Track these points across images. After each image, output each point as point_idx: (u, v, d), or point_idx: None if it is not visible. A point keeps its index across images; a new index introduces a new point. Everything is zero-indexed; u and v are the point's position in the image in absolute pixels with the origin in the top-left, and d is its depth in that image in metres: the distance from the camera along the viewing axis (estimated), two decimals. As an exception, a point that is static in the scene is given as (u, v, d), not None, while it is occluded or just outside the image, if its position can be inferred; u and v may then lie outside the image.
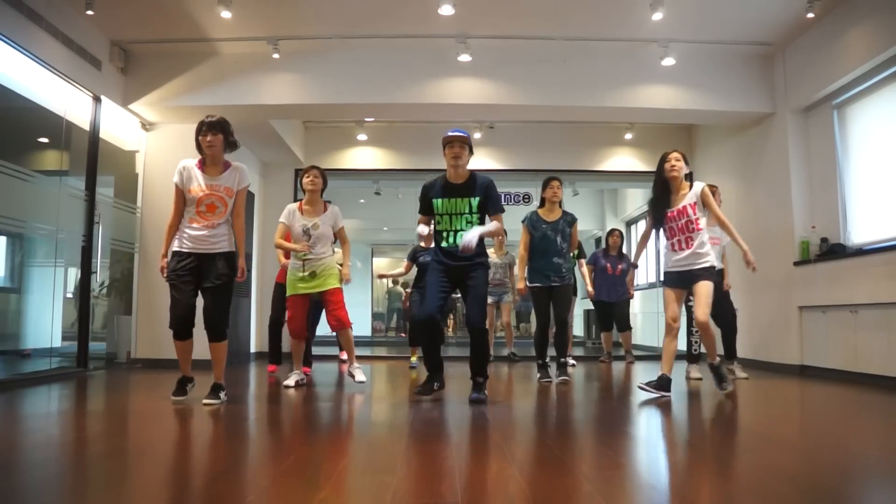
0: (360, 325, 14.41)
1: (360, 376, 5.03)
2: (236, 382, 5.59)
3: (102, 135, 6.26)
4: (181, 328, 3.94)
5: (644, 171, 9.09)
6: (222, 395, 4.06)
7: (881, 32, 5.28)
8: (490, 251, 8.00)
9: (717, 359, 4.62)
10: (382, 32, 6.45)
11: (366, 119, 8.53)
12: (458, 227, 4.14)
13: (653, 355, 9.16)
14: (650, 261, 10.91)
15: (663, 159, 4.56)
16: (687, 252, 4.39)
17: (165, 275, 3.96)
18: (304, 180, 4.96)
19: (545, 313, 5.43)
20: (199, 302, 4.00)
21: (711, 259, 4.38)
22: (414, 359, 7.16)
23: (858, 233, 5.92)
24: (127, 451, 2.79)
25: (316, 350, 6.86)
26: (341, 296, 4.99)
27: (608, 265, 7.63)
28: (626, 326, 7.77)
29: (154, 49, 6.62)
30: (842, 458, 2.71)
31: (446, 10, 5.78)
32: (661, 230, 4.57)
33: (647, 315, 10.36)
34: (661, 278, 4.88)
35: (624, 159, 9.07)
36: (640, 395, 4.55)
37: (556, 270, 5.35)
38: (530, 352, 7.58)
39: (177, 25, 6.17)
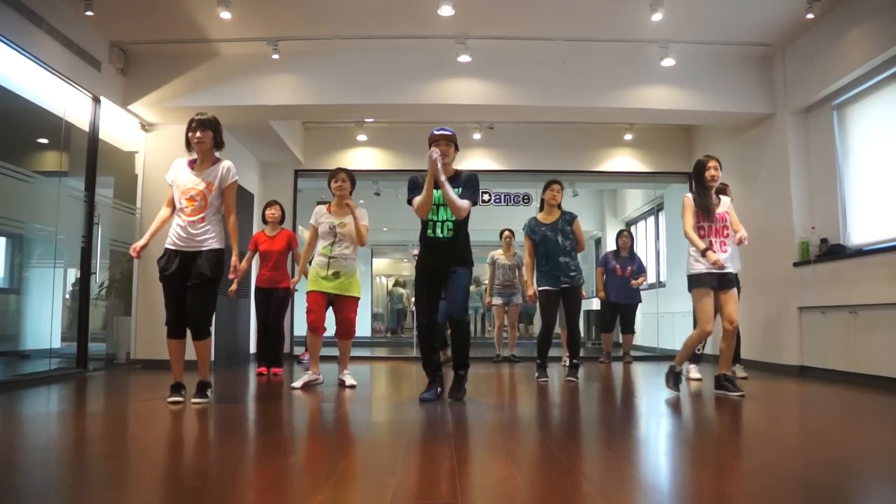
0: (360, 325, 14.39)
1: (350, 381, 5.08)
2: (236, 383, 5.59)
3: (102, 136, 6.26)
4: (172, 327, 4.02)
5: (644, 172, 9.11)
6: (209, 392, 4.09)
7: (881, 33, 5.28)
8: (498, 252, 8.01)
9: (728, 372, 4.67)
10: (382, 33, 6.45)
11: (365, 120, 8.54)
12: (444, 218, 4.25)
13: (652, 356, 9.17)
14: (650, 261, 10.92)
15: (703, 166, 4.61)
16: (723, 255, 4.48)
17: (134, 253, 4.04)
18: (333, 185, 5.02)
19: (551, 316, 5.46)
20: None
21: (734, 268, 4.64)
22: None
23: (858, 233, 5.92)
24: (126, 452, 2.79)
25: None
26: (356, 307, 5.10)
27: (618, 266, 7.64)
28: (630, 329, 7.78)
29: (153, 50, 6.62)
30: (842, 459, 2.71)
31: (446, 10, 5.78)
32: (699, 227, 4.58)
33: (647, 316, 10.36)
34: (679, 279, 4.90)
35: (624, 160, 9.07)
36: (639, 395, 4.55)
37: (564, 271, 5.36)
38: (531, 353, 7.59)
39: (176, 26, 6.17)
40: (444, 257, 4.26)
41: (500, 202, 9.29)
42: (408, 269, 16.49)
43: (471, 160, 8.84)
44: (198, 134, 4.01)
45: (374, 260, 16.71)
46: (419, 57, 6.79)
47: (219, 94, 6.75)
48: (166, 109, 6.75)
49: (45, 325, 5.65)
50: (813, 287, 6.15)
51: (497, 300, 7.93)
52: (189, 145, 4.08)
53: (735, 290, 4.56)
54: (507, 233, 8.02)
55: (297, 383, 4.94)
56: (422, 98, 6.82)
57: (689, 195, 4.69)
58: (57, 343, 5.78)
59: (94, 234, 6.04)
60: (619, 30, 6.36)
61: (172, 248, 4.01)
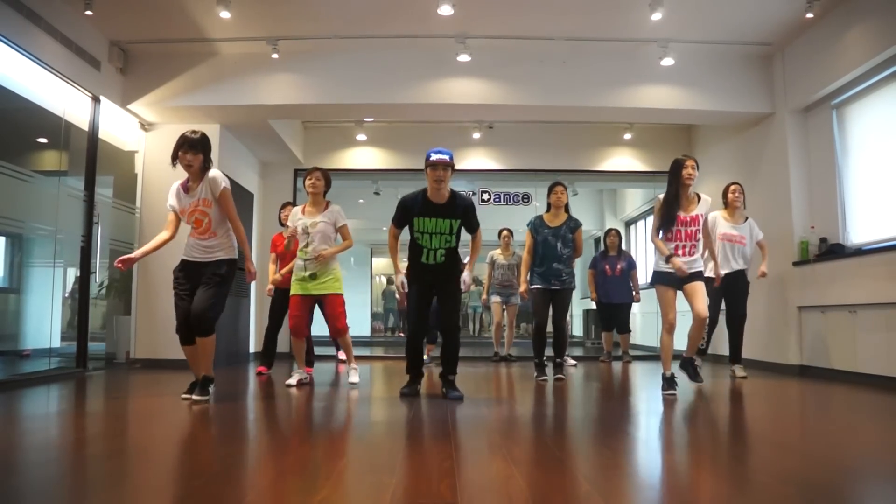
0: (360, 325, 14.42)
1: (353, 377, 5.15)
2: (236, 382, 5.58)
3: (101, 135, 6.25)
4: (184, 333, 4.06)
5: (643, 172, 9.11)
6: (211, 388, 4.14)
7: (880, 33, 5.28)
8: (497, 252, 8.01)
9: (694, 356, 4.91)
10: (382, 32, 6.45)
11: (365, 119, 8.54)
12: (437, 246, 4.34)
13: (652, 355, 9.16)
14: (649, 261, 10.91)
15: (681, 165, 4.62)
16: (688, 258, 4.58)
17: (119, 265, 3.97)
18: (307, 182, 5.01)
19: (543, 314, 5.51)
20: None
21: (701, 267, 4.69)
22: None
23: (857, 233, 5.92)
24: (126, 452, 2.79)
25: (316, 350, 6.84)
26: (341, 302, 5.06)
27: (607, 266, 7.65)
28: (625, 329, 7.78)
29: (153, 49, 6.62)
30: (841, 458, 2.71)
31: (445, 10, 5.78)
32: (666, 231, 4.67)
33: (646, 315, 10.35)
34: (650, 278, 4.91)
35: (623, 159, 9.07)
36: (639, 396, 4.55)
37: (556, 276, 5.43)
38: (527, 352, 7.60)
39: (176, 26, 6.17)
40: (436, 276, 4.42)
41: (499, 201, 9.30)
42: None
43: (470, 159, 8.84)
44: (188, 157, 3.98)
45: (373, 259, 16.70)
46: (419, 56, 6.79)
47: (218, 93, 6.75)
48: (166, 109, 6.75)
49: (44, 324, 5.65)
50: (812, 286, 6.15)
51: (496, 298, 7.93)
52: (175, 160, 4.04)
53: (700, 283, 4.60)
54: (505, 232, 8.01)
55: (292, 380, 5.01)
56: (421, 97, 6.83)
57: (661, 196, 4.77)
58: (57, 342, 5.78)
59: (93, 233, 6.04)
60: (619, 29, 6.36)
61: (187, 258, 4.11)
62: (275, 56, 6.49)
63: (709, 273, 5.20)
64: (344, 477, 2.31)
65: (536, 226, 5.54)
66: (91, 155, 6.11)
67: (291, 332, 5.02)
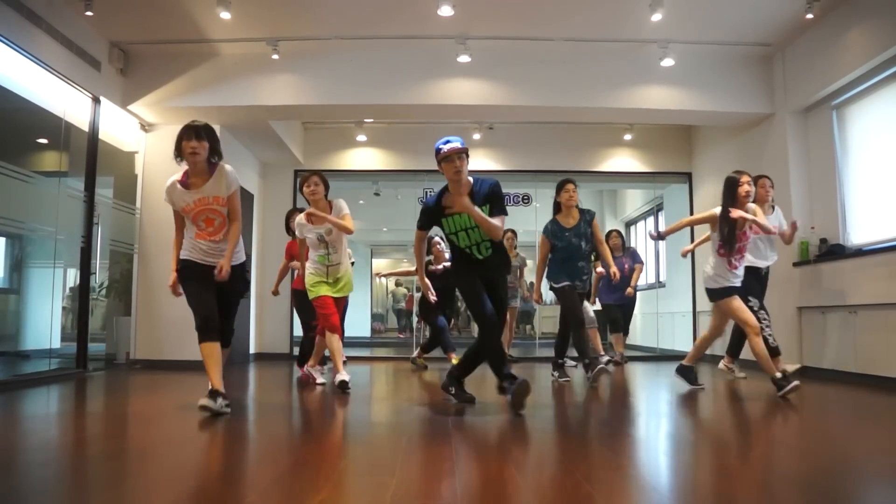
0: (360, 325, 14.42)
1: (319, 378, 5.25)
2: (235, 384, 5.58)
3: (102, 136, 6.26)
4: (207, 326, 3.65)
5: (644, 172, 9.11)
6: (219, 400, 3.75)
7: (880, 33, 5.28)
8: None
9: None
10: (382, 33, 6.45)
11: (365, 120, 8.54)
12: (477, 240, 3.86)
13: (652, 356, 9.17)
14: (649, 261, 10.92)
15: (736, 182, 4.50)
16: (740, 269, 4.61)
17: (175, 290, 3.74)
18: (305, 190, 4.81)
19: (580, 309, 5.28)
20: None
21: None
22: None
23: (857, 233, 5.92)
24: (126, 452, 2.79)
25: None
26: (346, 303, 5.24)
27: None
28: (620, 329, 7.65)
29: (153, 50, 6.62)
30: (841, 458, 2.71)
31: (445, 10, 5.78)
32: (725, 242, 4.55)
33: (646, 316, 10.36)
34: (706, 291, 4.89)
35: (623, 160, 9.07)
36: (639, 396, 4.54)
37: (579, 275, 5.30)
38: (526, 353, 7.62)
39: (176, 26, 6.17)
40: (489, 270, 3.94)
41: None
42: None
43: (471, 161, 8.82)
44: (192, 143, 3.55)
45: (373, 260, 16.71)
46: (419, 57, 6.79)
47: (218, 94, 6.75)
48: (166, 109, 6.75)
49: (44, 325, 5.65)
50: (812, 287, 6.15)
51: None
52: (180, 154, 3.62)
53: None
54: (508, 234, 7.97)
55: (344, 376, 4.77)
56: (421, 98, 6.83)
57: (716, 211, 4.61)
58: (57, 343, 5.78)
59: (93, 234, 6.04)
60: (619, 30, 6.36)
61: (198, 260, 3.71)
62: (275, 57, 6.49)
63: (750, 263, 4.97)
64: (344, 477, 2.31)
65: (555, 231, 5.28)
66: (91, 156, 6.11)
67: (329, 329, 4.82)
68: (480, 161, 8.84)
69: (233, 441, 3.08)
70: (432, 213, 3.91)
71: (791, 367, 5.51)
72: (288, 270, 6.17)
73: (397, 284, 16.93)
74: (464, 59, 6.53)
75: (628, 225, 12.11)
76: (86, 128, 6.08)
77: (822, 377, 5.86)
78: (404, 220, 9.37)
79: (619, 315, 7.57)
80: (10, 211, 5.12)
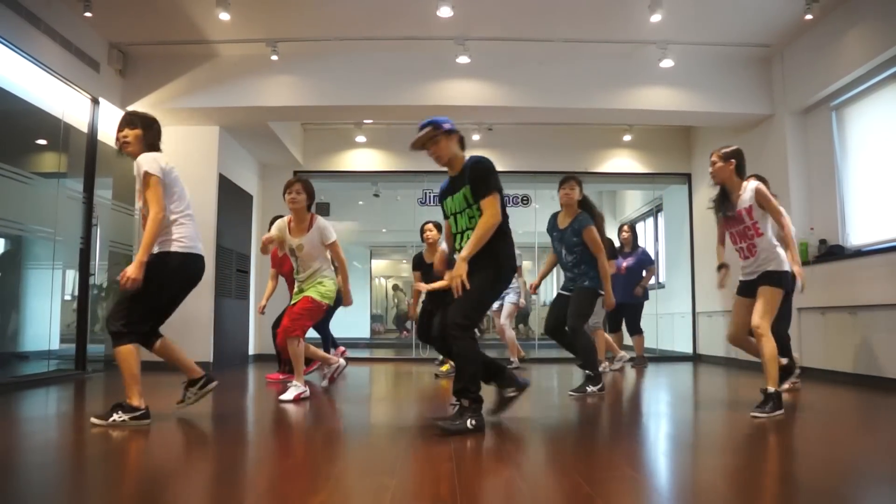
0: (359, 326, 14.40)
1: (287, 394, 4.37)
2: (235, 385, 5.58)
3: (100, 137, 6.25)
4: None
5: (643, 173, 9.12)
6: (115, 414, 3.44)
7: (879, 34, 5.28)
8: None
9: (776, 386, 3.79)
10: (381, 34, 6.45)
11: (364, 121, 8.54)
12: (464, 227, 3.40)
13: (652, 356, 9.16)
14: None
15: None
16: (751, 260, 3.93)
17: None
18: (287, 197, 4.43)
19: (548, 319, 4.91)
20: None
21: (778, 262, 3.85)
22: (445, 368, 6.48)
23: (857, 234, 5.92)
24: (125, 454, 2.79)
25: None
26: (307, 304, 4.43)
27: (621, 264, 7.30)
28: (636, 330, 7.50)
29: (152, 51, 6.62)
30: (842, 459, 2.70)
31: (445, 12, 5.78)
32: (729, 238, 4.10)
33: (646, 317, 10.34)
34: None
35: (623, 161, 9.08)
36: (640, 397, 4.54)
37: (568, 278, 4.85)
38: (526, 354, 7.61)
39: (175, 27, 6.17)
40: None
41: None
42: (406, 271, 16.49)
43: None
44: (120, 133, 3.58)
45: (373, 261, 16.70)
46: (418, 58, 6.80)
47: (218, 95, 6.75)
48: (165, 111, 6.74)
49: (43, 326, 5.64)
50: (812, 288, 6.12)
51: (514, 298, 7.32)
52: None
53: (767, 288, 3.81)
54: None
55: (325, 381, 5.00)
56: (421, 99, 6.83)
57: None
58: (56, 345, 5.78)
59: (92, 235, 6.03)
60: (618, 31, 6.36)
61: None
62: (274, 58, 6.49)
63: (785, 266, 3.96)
64: (344, 478, 2.31)
65: (549, 226, 4.91)
66: (90, 157, 6.11)
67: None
68: (480, 162, 8.83)
69: (232, 442, 3.08)
70: (442, 194, 3.58)
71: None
72: (276, 284, 5.99)
73: (394, 288, 16.93)
74: (463, 60, 6.53)
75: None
76: (85, 129, 6.08)
77: (821, 378, 5.86)
78: (404, 221, 9.37)
79: (619, 315, 7.44)
80: (8, 212, 5.11)
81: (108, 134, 6.42)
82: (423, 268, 5.98)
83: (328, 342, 6.22)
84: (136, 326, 3.66)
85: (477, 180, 3.31)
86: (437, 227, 5.87)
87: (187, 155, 5.77)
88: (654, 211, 10.71)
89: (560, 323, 4.75)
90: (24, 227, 5.39)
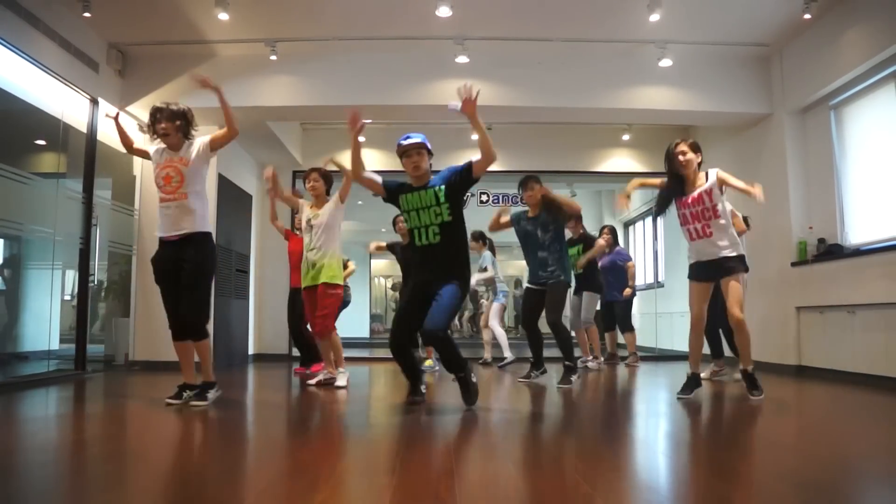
0: (359, 326, 14.41)
1: (340, 381, 5.03)
2: (234, 385, 5.58)
3: (100, 137, 6.25)
4: (174, 328, 3.95)
5: (642, 173, 9.10)
6: (210, 394, 4.00)
7: (878, 33, 5.29)
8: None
9: (752, 365, 4.32)
10: (380, 34, 6.45)
11: (363, 121, 8.52)
12: (429, 221, 3.81)
13: (650, 356, 9.17)
14: (648, 263, 10.92)
15: (670, 153, 4.38)
16: (704, 240, 4.18)
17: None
18: (307, 185, 5.12)
19: (523, 315, 5.46)
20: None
21: (739, 247, 4.16)
22: (429, 362, 6.82)
23: (856, 233, 5.93)
24: (125, 454, 2.79)
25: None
26: (334, 300, 4.92)
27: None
28: (627, 327, 7.59)
29: (151, 51, 6.62)
30: (839, 458, 2.71)
31: (444, 11, 5.78)
32: (679, 218, 4.33)
33: (645, 316, 10.37)
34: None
35: (622, 160, 9.08)
36: (638, 398, 4.55)
37: (541, 276, 5.26)
38: (524, 353, 7.58)
39: (174, 27, 6.17)
40: (432, 264, 3.85)
41: (497, 203, 9.29)
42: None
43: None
44: (162, 124, 4.06)
45: (372, 261, 16.70)
46: (417, 58, 6.80)
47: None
48: (164, 111, 6.74)
49: (43, 326, 5.64)
50: (811, 287, 6.16)
51: (503, 299, 7.69)
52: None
53: (735, 279, 4.14)
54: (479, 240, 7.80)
55: (342, 381, 5.06)
56: (420, 99, 6.83)
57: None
58: (55, 345, 5.78)
59: (92, 235, 6.04)
60: (617, 30, 6.36)
61: (158, 234, 4.03)
62: (273, 58, 6.49)
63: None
64: (344, 478, 2.31)
65: (518, 224, 5.38)
66: (89, 157, 6.10)
67: (316, 334, 5.05)
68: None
69: (231, 442, 3.08)
70: (395, 190, 4.06)
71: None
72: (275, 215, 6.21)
73: (393, 288, 16.94)
74: (462, 59, 6.54)
75: (627, 225, 12.12)
76: (84, 129, 6.08)
77: (820, 377, 5.87)
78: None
79: (610, 313, 7.46)
80: (8, 212, 5.11)
81: (107, 134, 6.42)
82: (395, 252, 6.68)
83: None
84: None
85: (456, 170, 3.91)
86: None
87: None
88: (654, 210, 10.70)
89: (536, 316, 5.32)
90: (23, 227, 5.39)
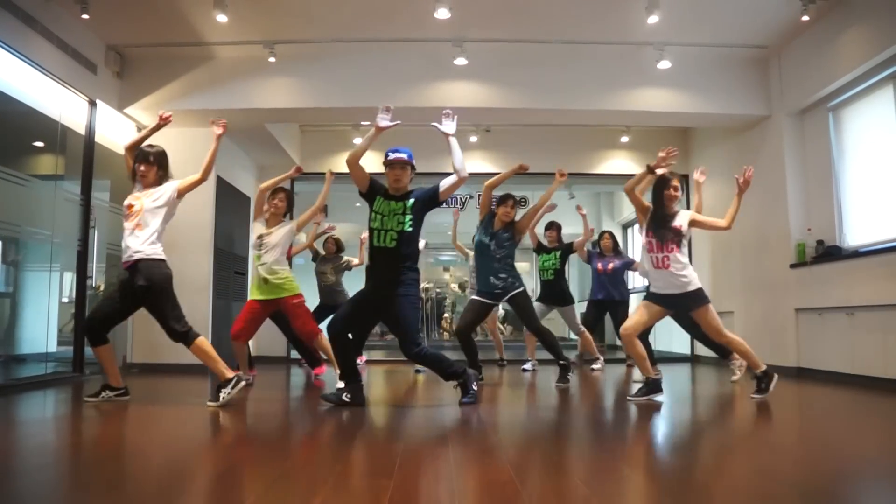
0: (358, 328, 14.32)
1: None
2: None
3: (98, 139, 6.24)
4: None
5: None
6: (223, 394, 4.10)
7: (876, 35, 5.30)
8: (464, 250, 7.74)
9: (763, 367, 4.44)
10: (379, 36, 6.45)
11: (362, 123, 8.53)
12: (391, 227, 4.09)
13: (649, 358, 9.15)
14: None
15: (666, 183, 4.55)
16: (663, 272, 4.32)
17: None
18: (271, 203, 5.31)
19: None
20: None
21: (695, 280, 4.34)
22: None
23: (854, 235, 5.93)
24: (123, 456, 2.78)
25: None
26: (302, 308, 5.40)
27: (599, 264, 7.31)
28: (594, 329, 7.37)
29: (150, 53, 6.62)
30: (839, 460, 2.71)
31: (442, 13, 5.78)
32: (645, 245, 4.45)
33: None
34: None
35: (620, 162, 9.08)
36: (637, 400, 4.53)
37: (496, 287, 5.41)
38: (519, 356, 7.60)
39: (173, 29, 6.17)
40: (384, 269, 4.12)
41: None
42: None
43: (468, 163, 8.72)
44: (142, 168, 4.22)
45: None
46: (416, 60, 6.80)
47: (215, 97, 6.74)
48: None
49: (41, 328, 5.63)
50: (809, 288, 6.16)
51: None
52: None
53: (704, 310, 4.34)
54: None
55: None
56: (418, 101, 6.83)
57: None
58: (53, 347, 5.76)
59: (90, 237, 6.02)
60: (615, 32, 6.37)
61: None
62: (272, 60, 6.49)
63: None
64: (342, 480, 2.31)
65: (483, 230, 5.56)
66: (88, 159, 6.09)
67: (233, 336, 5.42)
68: (478, 164, 8.84)
69: (230, 444, 3.08)
70: (376, 190, 4.20)
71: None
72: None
73: None
74: (460, 61, 6.54)
75: (625, 227, 12.12)
76: (82, 131, 6.06)
77: (819, 379, 5.87)
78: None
79: (601, 315, 7.35)
80: (6, 214, 5.10)
81: (105, 136, 6.42)
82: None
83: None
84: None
85: (427, 193, 4.21)
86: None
87: (185, 157, 5.77)
88: (652, 212, 10.69)
89: (473, 326, 5.57)
90: (21, 229, 5.38)
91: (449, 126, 4.27)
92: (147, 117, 6.85)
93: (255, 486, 2.22)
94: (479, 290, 5.50)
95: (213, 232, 7.14)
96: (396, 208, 4.13)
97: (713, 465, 2.64)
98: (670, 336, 9.29)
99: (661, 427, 3.62)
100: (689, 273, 4.34)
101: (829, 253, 5.99)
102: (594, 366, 7.06)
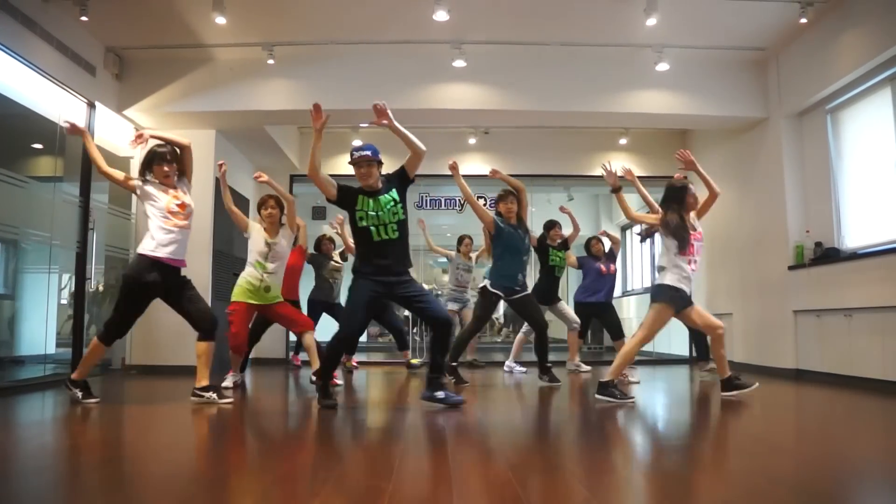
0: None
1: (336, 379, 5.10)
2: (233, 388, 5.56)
3: (97, 141, 6.23)
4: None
5: (639, 176, 9.04)
6: (209, 394, 4.27)
7: (874, 37, 5.31)
8: (453, 252, 7.66)
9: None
10: (377, 38, 6.46)
11: (361, 125, 8.54)
12: (389, 220, 4.12)
13: (648, 360, 9.17)
14: (645, 265, 10.93)
15: (687, 190, 4.73)
16: (694, 274, 4.56)
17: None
18: (264, 212, 5.25)
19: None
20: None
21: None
22: (416, 361, 7.33)
23: (852, 237, 5.94)
24: (122, 459, 2.78)
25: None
26: (293, 307, 5.61)
27: (601, 266, 7.23)
28: (621, 334, 7.39)
29: (149, 55, 6.62)
30: (837, 462, 2.71)
31: (441, 16, 5.79)
32: (686, 248, 4.56)
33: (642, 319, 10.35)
34: (653, 293, 4.77)
35: (619, 164, 9.06)
36: (635, 400, 4.53)
37: (518, 283, 5.60)
38: (497, 357, 7.59)
39: (172, 31, 6.17)
40: (393, 259, 4.13)
41: (493, 205, 9.28)
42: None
43: (466, 165, 8.83)
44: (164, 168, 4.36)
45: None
46: (414, 62, 6.81)
47: (214, 99, 6.75)
48: (161, 115, 6.75)
49: (39, 330, 5.62)
50: (807, 290, 6.17)
51: (452, 305, 7.51)
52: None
53: (693, 305, 4.60)
54: (466, 240, 7.67)
55: (227, 382, 5.19)
56: (417, 103, 6.84)
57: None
58: (52, 349, 5.76)
59: (89, 239, 6.02)
60: (614, 34, 6.38)
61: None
62: (270, 62, 6.49)
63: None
64: (341, 482, 2.31)
65: (507, 227, 5.62)
66: (86, 160, 6.08)
67: (230, 340, 5.25)
68: (476, 166, 8.85)
69: (228, 446, 3.08)
70: (347, 191, 4.20)
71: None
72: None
73: None
74: (459, 63, 6.55)
75: (624, 229, 12.12)
76: (81, 132, 6.06)
77: (817, 380, 5.88)
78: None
79: (589, 318, 7.17)
80: (4, 216, 5.10)
81: (104, 138, 6.41)
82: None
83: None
84: None
85: (394, 176, 4.36)
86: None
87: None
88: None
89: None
90: (19, 231, 5.38)
91: (382, 116, 4.19)
92: (146, 119, 6.85)
93: (253, 489, 2.23)
94: (504, 285, 5.54)
95: (212, 233, 7.14)
96: (387, 201, 4.18)
97: (711, 466, 2.64)
98: (668, 338, 9.31)
99: (660, 428, 3.62)
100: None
101: (828, 255, 6.00)
102: (582, 367, 7.07)
